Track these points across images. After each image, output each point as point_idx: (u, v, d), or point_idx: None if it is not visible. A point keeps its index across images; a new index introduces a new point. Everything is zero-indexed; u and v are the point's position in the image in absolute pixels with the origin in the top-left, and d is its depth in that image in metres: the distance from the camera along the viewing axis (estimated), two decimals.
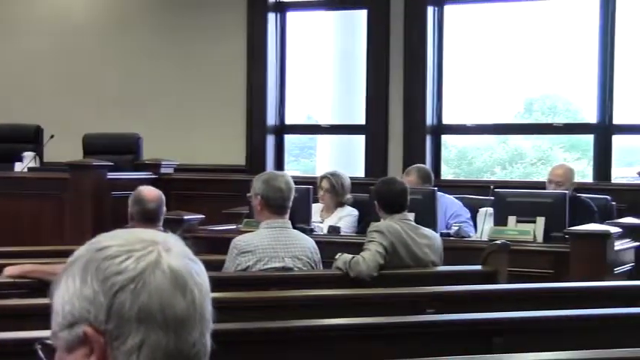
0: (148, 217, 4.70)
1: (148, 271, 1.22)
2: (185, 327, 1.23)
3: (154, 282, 1.22)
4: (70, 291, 1.24)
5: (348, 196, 6.65)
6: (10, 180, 7.57)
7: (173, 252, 1.26)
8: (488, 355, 3.20)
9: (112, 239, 1.27)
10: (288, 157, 9.25)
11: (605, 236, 5.32)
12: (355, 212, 6.56)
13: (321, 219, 6.52)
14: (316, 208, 6.56)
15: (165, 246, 1.26)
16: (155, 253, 1.24)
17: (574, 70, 8.44)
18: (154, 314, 1.21)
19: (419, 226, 4.98)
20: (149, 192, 4.80)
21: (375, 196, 5.12)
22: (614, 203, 6.53)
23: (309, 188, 6.28)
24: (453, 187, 7.31)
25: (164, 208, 4.85)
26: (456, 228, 6.04)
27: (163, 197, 4.86)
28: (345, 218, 6.50)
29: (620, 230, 5.55)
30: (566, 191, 5.98)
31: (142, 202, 4.75)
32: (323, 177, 6.71)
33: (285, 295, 4.24)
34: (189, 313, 1.23)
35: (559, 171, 6.45)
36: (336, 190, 6.59)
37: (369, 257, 4.68)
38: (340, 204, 6.61)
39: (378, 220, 5.01)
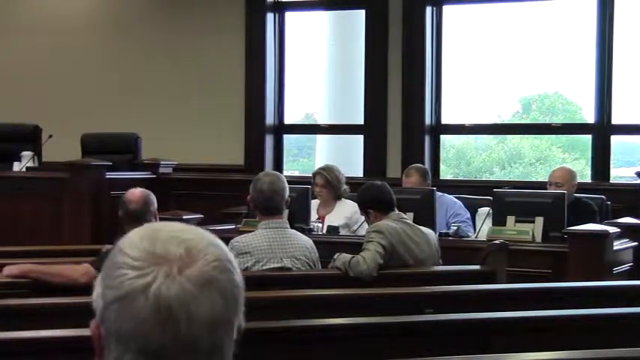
0: (134, 218, 4.71)
1: (130, 296, 1.16)
2: (162, 358, 1.16)
3: (133, 308, 1.16)
4: (97, 279, 1.23)
5: (345, 187, 6.59)
6: (9, 180, 7.56)
7: (185, 274, 1.17)
8: (486, 355, 3.20)
9: (133, 247, 1.20)
10: (286, 157, 9.25)
11: (604, 236, 5.31)
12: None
13: (318, 215, 6.44)
14: (313, 204, 6.47)
15: (182, 263, 1.17)
16: (151, 275, 1.16)
17: (572, 70, 8.44)
18: (128, 339, 1.16)
19: (415, 224, 4.98)
20: (131, 193, 4.81)
21: (365, 204, 5.02)
22: (609, 203, 6.53)
23: (307, 188, 6.25)
24: (452, 187, 7.30)
25: (151, 207, 4.81)
26: (455, 228, 6.04)
27: (150, 197, 4.84)
28: (355, 216, 6.32)
29: (619, 230, 5.54)
30: (566, 192, 5.97)
31: (124, 204, 4.76)
32: (316, 173, 6.64)
33: (285, 295, 4.23)
34: (167, 346, 1.15)
35: (558, 172, 6.47)
36: (331, 184, 6.52)
37: (369, 257, 4.67)
38: (338, 197, 6.56)
39: None
